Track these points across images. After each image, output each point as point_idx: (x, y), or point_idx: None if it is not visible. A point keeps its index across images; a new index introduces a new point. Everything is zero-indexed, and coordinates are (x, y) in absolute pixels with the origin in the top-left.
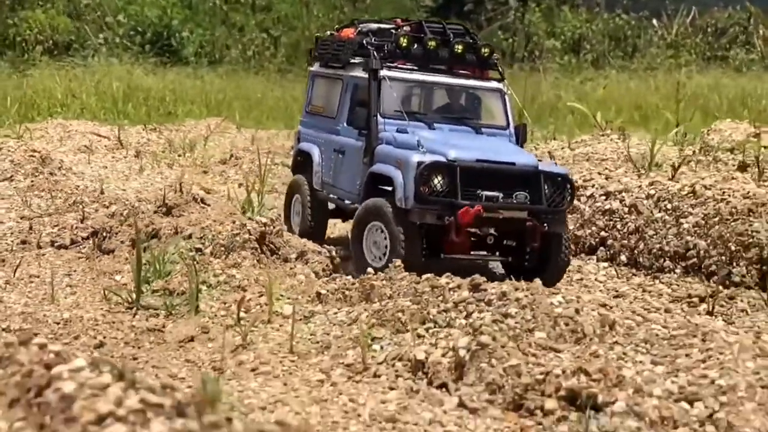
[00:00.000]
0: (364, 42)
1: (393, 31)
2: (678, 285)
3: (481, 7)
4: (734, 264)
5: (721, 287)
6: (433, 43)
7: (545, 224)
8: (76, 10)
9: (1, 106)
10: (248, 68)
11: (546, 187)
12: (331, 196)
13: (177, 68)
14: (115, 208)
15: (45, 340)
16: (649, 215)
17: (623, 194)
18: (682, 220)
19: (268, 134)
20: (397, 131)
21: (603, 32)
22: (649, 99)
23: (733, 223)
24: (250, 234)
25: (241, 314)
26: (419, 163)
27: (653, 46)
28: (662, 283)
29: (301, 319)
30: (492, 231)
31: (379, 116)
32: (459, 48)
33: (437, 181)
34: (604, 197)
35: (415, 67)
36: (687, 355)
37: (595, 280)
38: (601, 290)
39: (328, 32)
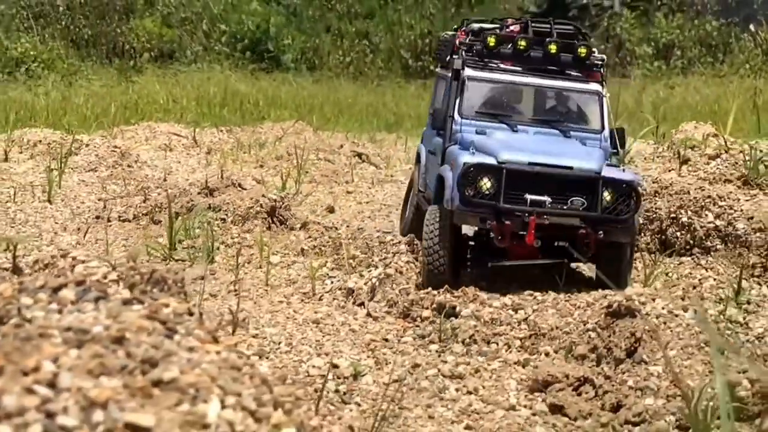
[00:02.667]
0: (457, 42)
1: (496, 30)
2: None
3: (585, 13)
4: (642, 234)
5: None
6: (523, 43)
7: (600, 232)
8: (181, 18)
9: (105, 110)
10: (347, 75)
11: (606, 194)
12: (427, 197)
13: (276, 74)
14: (170, 191)
15: (76, 254)
16: None
17: None
18: None
19: (340, 136)
20: (476, 132)
21: (693, 38)
22: (723, 105)
23: (642, 202)
24: (262, 207)
25: (244, 263)
26: (464, 164)
27: (744, 52)
28: None
29: (285, 266)
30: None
31: (456, 116)
32: (552, 48)
33: (484, 183)
34: None
35: (505, 68)
36: None
37: None
38: None
39: (447, 33)
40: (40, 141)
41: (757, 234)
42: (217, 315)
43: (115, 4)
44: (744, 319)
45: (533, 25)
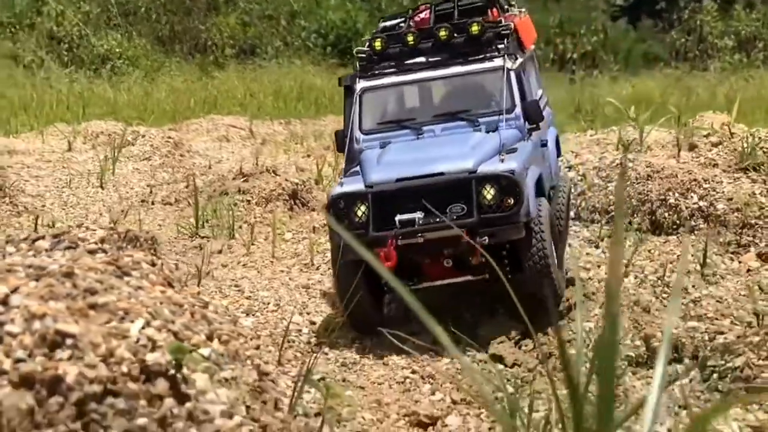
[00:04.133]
0: (355, 51)
1: (401, 25)
2: (596, 230)
3: (673, 6)
4: (635, 215)
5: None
6: (410, 38)
7: (485, 237)
8: (263, 15)
9: (185, 105)
10: None
11: (485, 193)
12: None
13: None
14: (208, 177)
15: (88, 224)
16: (590, 181)
17: (580, 167)
18: (609, 184)
19: None
20: (380, 147)
21: None
22: None
23: (636, 185)
24: (284, 190)
25: (260, 240)
26: (331, 197)
27: None
28: (588, 230)
29: (296, 242)
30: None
31: (358, 133)
32: (443, 34)
33: (359, 211)
34: (567, 169)
35: (396, 69)
36: None
37: None
38: None
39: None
40: (102, 132)
41: (734, 213)
42: (190, 272)
43: (199, 2)
44: (695, 287)
45: (438, 9)
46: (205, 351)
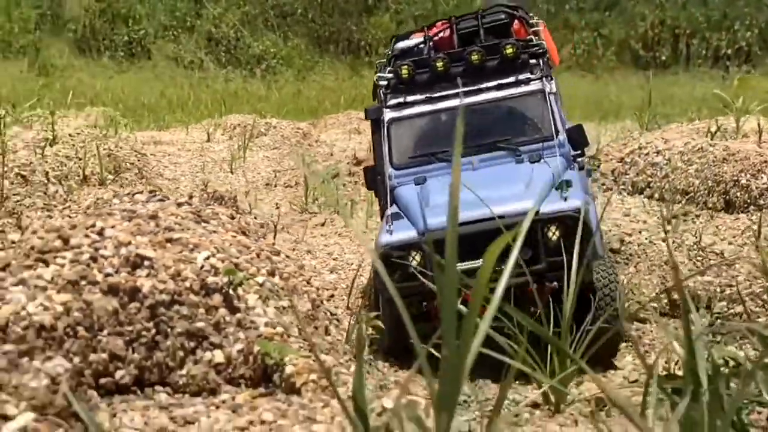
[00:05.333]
0: (375, 78)
1: (421, 47)
2: (673, 210)
3: None
4: (711, 195)
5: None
6: (440, 64)
7: (554, 282)
8: (414, 15)
9: (335, 103)
10: (576, 67)
11: (550, 236)
12: None
13: None
14: (328, 163)
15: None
16: (674, 164)
17: (666, 151)
18: (689, 167)
19: None
20: (416, 183)
21: None
22: None
23: (713, 167)
24: None
25: (360, 215)
26: (381, 248)
27: None
28: (665, 209)
29: None
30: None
31: (389, 169)
32: (475, 58)
33: (413, 261)
34: (655, 153)
35: (427, 96)
36: None
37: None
38: (623, 212)
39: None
40: (239, 124)
41: None
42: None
43: (354, 3)
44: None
45: (460, 27)
46: (259, 279)
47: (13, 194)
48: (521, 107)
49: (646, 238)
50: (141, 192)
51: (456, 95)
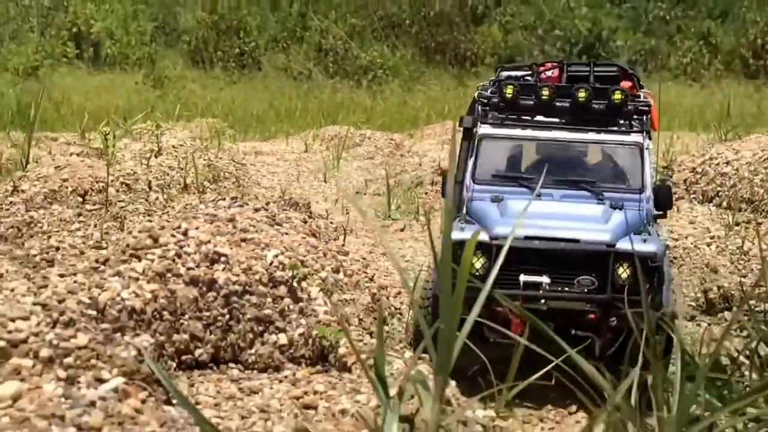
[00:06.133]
0: (476, 95)
1: (527, 78)
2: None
3: None
4: None
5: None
6: (546, 92)
7: (614, 318)
8: (520, 26)
9: (440, 112)
10: (683, 76)
11: (621, 270)
12: None
13: None
14: (415, 172)
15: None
16: (741, 174)
17: (734, 162)
18: (755, 177)
19: None
20: (491, 201)
21: None
22: None
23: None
24: None
25: (439, 221)
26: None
27: None
28: (729, 217)
29: None
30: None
31: (469, 181)
32: (582, 95)
33: (477, 262)
34: (725, 164)
35: (527, 122)
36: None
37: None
38: (689, 220)
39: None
40: (336, 135)
41: None
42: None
43: (461, 14)
44: None
45: (570, 69)
46: (322, 274)
47: (118, 201)
48: (616, 155)
49: (691, 243)
50: (224, 198)
51: (555, 127)
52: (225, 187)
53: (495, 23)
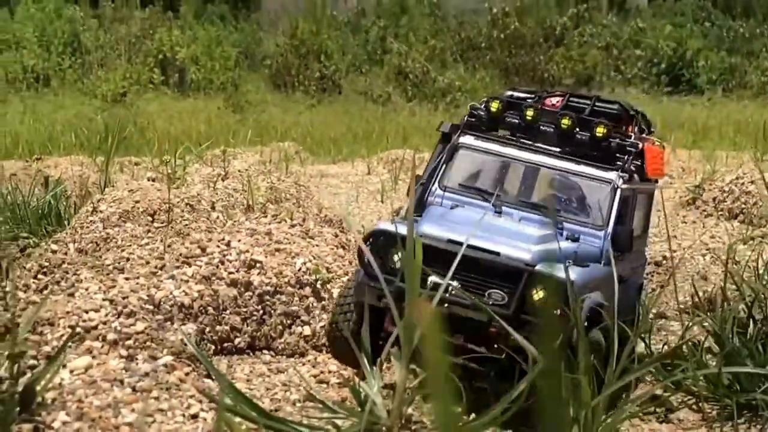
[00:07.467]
0: (470, 106)
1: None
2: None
3: None
4: None
5: None
6: (530, 113)
7: (513, 336)
8: (597, 47)
9: None
10: (764, 94)
11: (534, 291)
12: None
13: (689, 98)
14: None
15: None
16: (761, 192)
17: (758, 181)
18: None
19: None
20: (451, 207)
21: None
22: None
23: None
24: None
25: None
26: (374, 229)
27: None
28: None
29: None
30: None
31: (436, 187)
32: (565, 122)
33: (394, 255)
34: (750, 183)
35: (507, 140)
36: None
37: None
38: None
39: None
40: (397, 158)
41: None
42: None
43: (539, 35)
44: None
45: (573, 99)
46: (345, 279)
47: (183, 219)
48: (586, 188)
49: (687, 254)
50: (265, 215)
51: (534, 150)
52: (285, 207)
53: (574, 43)
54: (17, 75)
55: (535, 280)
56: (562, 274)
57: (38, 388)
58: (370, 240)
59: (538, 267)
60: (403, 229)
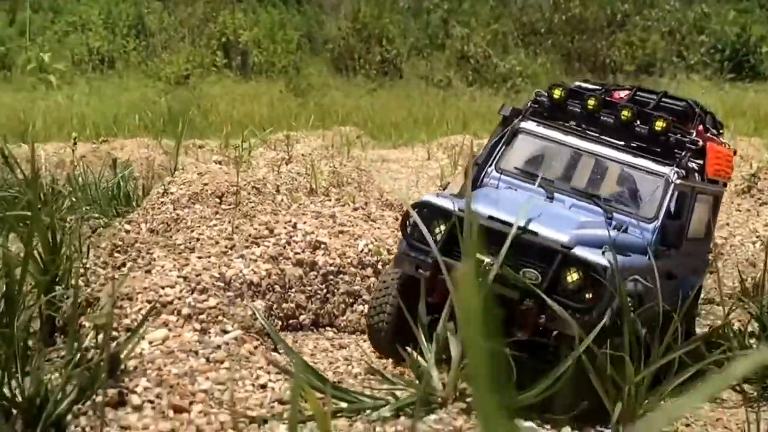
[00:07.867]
0: (535, 92)
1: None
2: None
3: None
4: None
5: None
6: (592, 102)
7: (543, 316)
8: (661, 32)
9: None
10: None
11: (569, 274)
12: None
13: (753, 85)
14: None
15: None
16: None
17: None
18: None
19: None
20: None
21: None
22: None
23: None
24: None
25: None
26: (420, 201)
27: None
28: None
29: None
30: None
31: (492, 169)
32: (625, 114)
33: (435, 228)
34: None
35: (566, 127)
36: None
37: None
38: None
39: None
40: (457, 144)
41: None
42: None
43: (601, 20)
44: None
45: (640, 94)
46: None
47: (249, 202)
48: (640, 181)
49: (738, 241)
50: (330, 199)
51: (593, 140)
52: (347, 191)
53: (636, 29)
54: (83, 57)
55: (570, 261)
56: (598, 258)
57: (121, 356)
58: (415, 211)
59: (575, 249)
60: (446, 203)
